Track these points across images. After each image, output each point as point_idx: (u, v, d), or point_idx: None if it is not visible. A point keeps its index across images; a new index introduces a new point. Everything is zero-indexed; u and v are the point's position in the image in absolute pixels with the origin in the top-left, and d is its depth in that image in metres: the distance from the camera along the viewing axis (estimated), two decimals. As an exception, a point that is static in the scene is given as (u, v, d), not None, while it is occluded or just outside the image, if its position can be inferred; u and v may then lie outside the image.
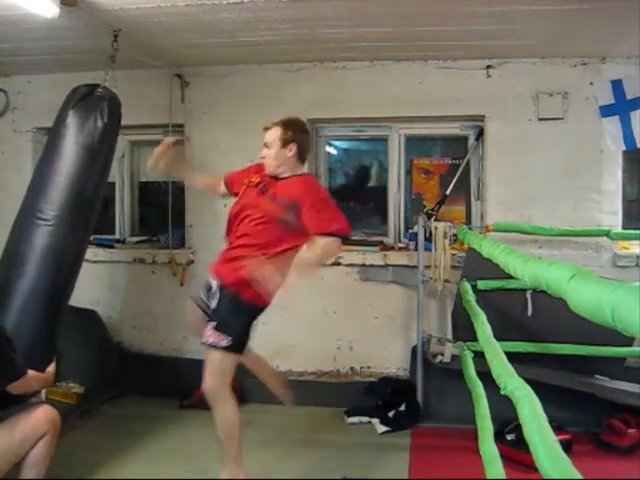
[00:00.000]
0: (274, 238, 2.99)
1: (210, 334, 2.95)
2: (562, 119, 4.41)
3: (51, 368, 2.90)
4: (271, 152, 3.07)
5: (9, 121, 5.14)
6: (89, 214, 3.38)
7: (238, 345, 2.98)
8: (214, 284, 3.12)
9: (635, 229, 4.32)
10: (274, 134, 3.06)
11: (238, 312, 2.99)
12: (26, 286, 3.12)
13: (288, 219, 2.96)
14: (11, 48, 4.21)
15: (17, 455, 2.60)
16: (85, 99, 3.40)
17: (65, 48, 4.20)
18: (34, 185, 3.37)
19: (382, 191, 5.02)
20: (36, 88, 5.01)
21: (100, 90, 3.44)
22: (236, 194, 3.28)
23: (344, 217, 3.00)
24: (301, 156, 3.11)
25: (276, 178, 3.12)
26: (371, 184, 5.23)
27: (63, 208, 3.23)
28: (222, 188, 3.39)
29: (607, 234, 4.19)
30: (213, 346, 2.94)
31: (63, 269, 3.22)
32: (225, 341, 2.92)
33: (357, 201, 5.26)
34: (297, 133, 3.08)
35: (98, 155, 3.37)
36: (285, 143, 3.04)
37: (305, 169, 3.18)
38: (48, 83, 4.88)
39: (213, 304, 3.08)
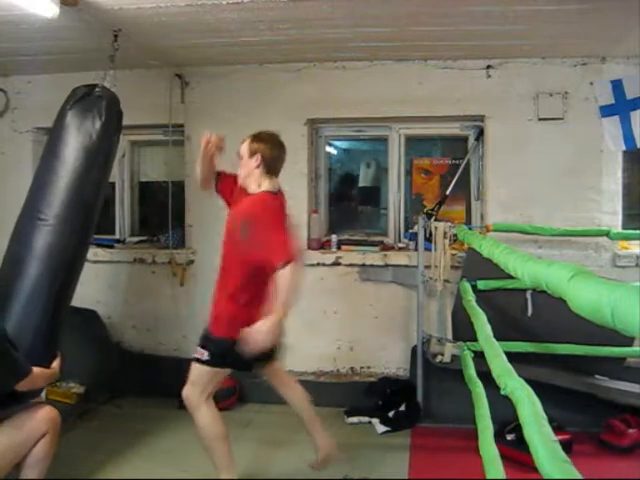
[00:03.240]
0: (237, 270, 3.04)
1: (196, 350, 3.13)
2: (562, 119, 4.42)
3: (55, 364, 2.91)
4: (242, 162, 3.13)
5: (9, 121, 5.14)
6: (90, 214, 3.37)
7: (216, 362, 3.08)
8: None
9: (635, 229, 4.33)
10: (244, 146, 3.13)
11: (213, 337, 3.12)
12: (27, 286, 3.12)
13: (242, 236, 2.96)
14: (11, 48, 4.21)
15: (18, 455, 2.61)
16: (83, 99, 3.40)
17: (65, 48, 4.20)
18: (34, 187, 3.38)
19: (381, 191, 5.03)
20: (36, 88, 5.01)
21: (98, 90, 3.43)
22: (220, 195, 3.34)
23: (289, 239, 2.93)
24: (268, 168, 3.09)
25: (247, 192, 3.16)
26: (370, 184, 5.23)
27: (63, 209, 3.23)
28: (211, 184, 3.37)
29: (607, 234, 4.19)
30: (194, 359, 3.12)
31: (64, 269, 3.21)
32: (204, 355, 3.07)
33: (355, 201, 5.28)
34: (263, 144, 3.09)
35: (97, 155, 3.36)
36: (251, 154, 3.08)
37: (272, 184, 3.11)
38: (48, 83, 4.88)
39: None
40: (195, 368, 3.11)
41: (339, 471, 3.41)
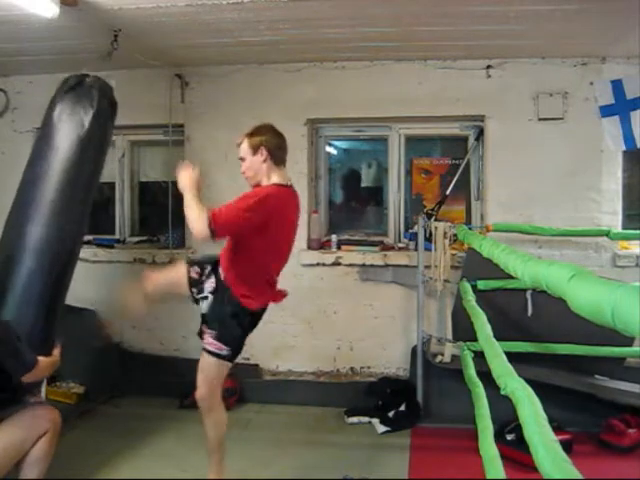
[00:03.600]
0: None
1: (210, 342, 2.96)
2: (562, 119, 4.42)
3: (56, 351, 2.91)
4: (246, 163, 3.02)
5: (9, 121, 5.14)
6: (83, 202, 3.34)
7: (235, 355, 3.02)
8: (208, 286, 3.06)
9: (635, 229, 4.33)
10: (244, 145, 3.02)
11: (239, 323, 2.98)
12: (22, 278, 3.10)
13: None
14: (11, 48, 4.21)
15: (18, 454, 2.61)
16: (74, 89, 3.37)
17: (65, 48, 4.20)
18: (27, 177, 3.35)
19: (382, 191, 5.03)
20: (36, 88, 5.00)
21: (90, 79, 3.41)
22: None
23: (233, 220, 2.80)
24: (275, 159, 3.01)
25: None
26: (370, 184, 5.22)
27: (56, 198, 3.21)
28: None
29: (607, 234, 4.19)
30: (214, 354, 2.96)
31: (58, 259, 3.18)
32: (225, 351, 2.96)
33: (357, 201, 5.27)
34: (264, 136, 3.00)
35: (90, 144, 3.32)
36: (255, 150, 2.98)
37: (282, 176, 3.04)
38: (49, 83, 4.87)
39: (205, 308, 3.04)
40: (212, 365, 2.98)
41: (339, 471, 3.41)
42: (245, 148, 3.02)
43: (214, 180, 4.72)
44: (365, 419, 4.29)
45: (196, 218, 2.76)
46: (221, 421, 3.06)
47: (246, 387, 4.50)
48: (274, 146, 3.01)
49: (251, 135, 3.03)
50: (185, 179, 2.93)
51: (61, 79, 4.56)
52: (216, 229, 2.72)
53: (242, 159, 3.05)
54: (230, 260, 2.99)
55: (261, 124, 3.09)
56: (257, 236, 2.89)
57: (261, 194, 2.91)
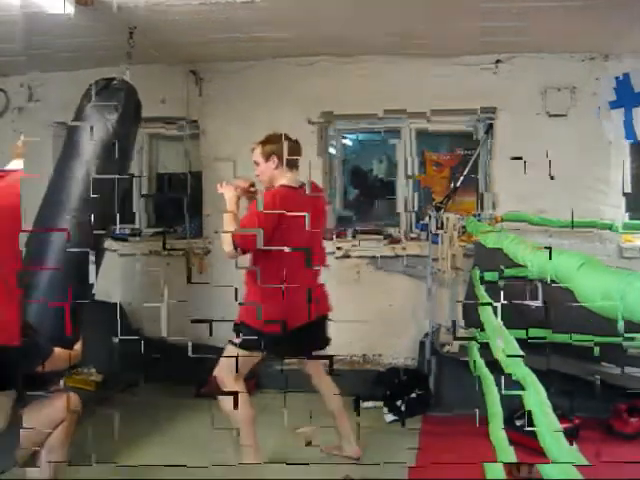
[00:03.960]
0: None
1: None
2: (570, 113, 4.45)
3: (78, 346, 2.99)
4: (260, 168, 3.27)
5: (9, 121, 5.18)
6: (109, 204, 3.43)
7: (246, 345, 3.15)
8: None
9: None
10: (258, 152, 3.26)
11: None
12: (48, 276, 3.19)
13: None
14: (27, 46, 4.24)
15: (39, 439, 2.68)
16: (102, 92, 3.46)
17: (81, 46, 4.26)
18: (54, 180, 3.44)
19: (393, 183, 5.08)
20: (53, 85, 5.06)
21: (116, 82, 3.50)
22: None
23: (249, 234, 3.00)
24: (287, 164, 3.20)
25: None
26: (383, 177, 5.27)
27: (82, 199, 3.29)
28: None
29: (610, 228, 4.23)
30: (229, 341, 3.24)
31: (83, 259, 3.27)
32: (237, 339, 3.17)
33: (369, 193, 5.33)
34: (275, 145, 3.20)
35: (115, 146, 3.40)
36: (267, 157, 3.22)
37: (292, 178, 3.24)
38: (65, 80, 4.93)
39: None
40: (228, 350, 3.22)
41: (340, 471, 3.42)
42: (258, 154, 3.26)
43: (226, 174, 4.77)
44: (379, 404, 4.33)
45: (225, 241, 3.05)
46: (231, 406, 3.12)
47: (263, 374, 4.56)
48: (285, 153, 3.19)
49: (264, 144, 3.25)
50: (229, 199, 3.19)
51: (78, 76, 4.67)
52: (239, 245, 3.02)
53: (256, 163, 3.28)
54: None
55: (273, 133, 3.27)
56: (276, 233, 3.06)
57: (265, 198, 3.13)
